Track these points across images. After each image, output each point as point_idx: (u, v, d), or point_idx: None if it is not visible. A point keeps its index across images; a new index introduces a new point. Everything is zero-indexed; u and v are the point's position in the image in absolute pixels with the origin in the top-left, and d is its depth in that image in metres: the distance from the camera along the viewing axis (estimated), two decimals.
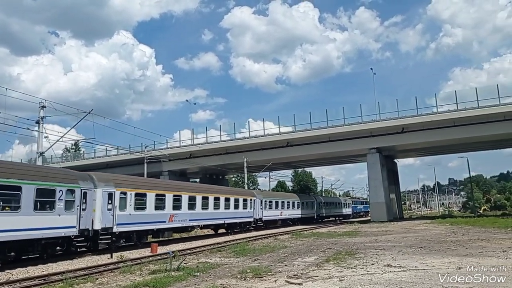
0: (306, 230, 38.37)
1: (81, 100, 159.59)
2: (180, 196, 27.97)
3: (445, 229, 31.06)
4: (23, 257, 17.53)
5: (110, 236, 21.26)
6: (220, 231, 36.41)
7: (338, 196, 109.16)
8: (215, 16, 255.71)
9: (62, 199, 18.20)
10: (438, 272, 11.66)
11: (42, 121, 24.75)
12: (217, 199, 32.88)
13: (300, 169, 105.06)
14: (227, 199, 34.48)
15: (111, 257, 19.73)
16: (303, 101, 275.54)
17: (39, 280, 13.27)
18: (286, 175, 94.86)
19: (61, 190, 18.18)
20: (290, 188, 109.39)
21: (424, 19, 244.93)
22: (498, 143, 55.58)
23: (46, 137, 25.00)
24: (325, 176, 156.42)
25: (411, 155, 71.85)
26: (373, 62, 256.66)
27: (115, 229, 21.70)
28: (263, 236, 31.59)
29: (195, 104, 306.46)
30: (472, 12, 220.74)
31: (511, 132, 43.90)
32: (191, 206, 28.96)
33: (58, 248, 18.55)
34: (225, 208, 33.91)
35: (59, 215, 18.02)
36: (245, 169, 54.84)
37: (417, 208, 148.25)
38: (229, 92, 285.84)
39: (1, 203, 15.71)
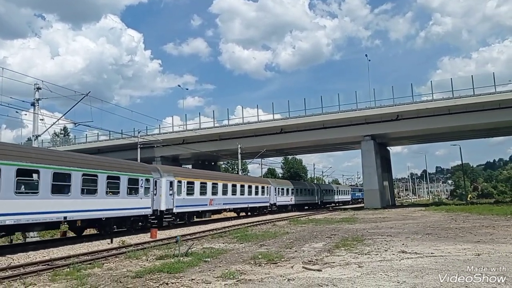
0: (302, 217, 38.21)
1: (68, 85, 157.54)
2: (217, 183, 33.57)
3: (443, 216, 31.06)
4: (118, 230, 22.23)
5: (171, 216, 26.77)
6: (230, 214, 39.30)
7: (323, 183, 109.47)
8: (204, 1, 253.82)
9: (142, 186, 23.46)
10: (458, 258, 11.42)
11: (37, 103, 23.94)
12: (242, 186, 38.40)
13: (290, 157, 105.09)
14: (249, 186, 39.97)
15: (111, 242, 19.27)
16: (292, 88, 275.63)
17: (42, 265, 12.77)
18: (276, 162, 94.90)
19: (141, 179, 23.55)
20: (280, 175, 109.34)
21: (414, 7, 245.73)
22: (492, 131, 55.91)
23: (42, 119, 24.25)
24: (312, 164, 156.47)
25: (404, 142, 72.10)
26: (362, 50, 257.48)
27: (174, 210, 27.12)
28: (260, 222, 31.32)
29: (187, 89, 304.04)
30: (462, 1, 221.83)
31: (506, 120, 44.10)
32: (224, 192, 34.57)
33: (140, 224, 23.66)
34: (248, 194, 39.35)
35: (141, 198, 23.42)
36: (239, 156, 54.43)
37: (406, 195, 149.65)
38: (218, 79, 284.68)
39: (109, 189, 20.88)
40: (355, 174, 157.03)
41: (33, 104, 24.15)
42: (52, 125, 25.59)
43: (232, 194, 35.97)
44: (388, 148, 67.51)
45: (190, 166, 71.21)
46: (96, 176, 19.93)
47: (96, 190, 19.89)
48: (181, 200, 27.85)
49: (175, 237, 19.28)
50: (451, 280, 8.62)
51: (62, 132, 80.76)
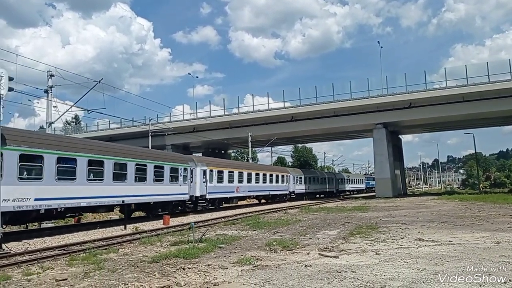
0: (313, 205, 38.12)
1: (79, 74, 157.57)
2: (242, 172, 36.32)
3: (456, 205, 30.75)
4: (161, 213, 24.16)
5: (204, 201, 29.42)
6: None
7: (338, 172, 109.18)
8: None
9: (181, 175, 26.14)
10: (477, 246, 11.25)
11: (51, 90, 23.94)
12: (264, 175, 40.88)
13: (300, 145, 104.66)
14: (271, 175, 42.53)
15: (125, 228, 19.35)
16: (302, 77, 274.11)
17: (59, 250, 12.84)
18: (286, 151, 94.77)
19: (181, 169, 26.23)
20: (289, 163, 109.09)
21: None
22: (507, 119, 54.99)
23: (55, 107, 24.27)
24: (322, 152, 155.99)
25: (416, 130, 71.39)
26: (373, 37, 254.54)
27: (207, 196, 29.95)
28: (272, 210, 31.32)
29: (197, 77, 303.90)
30: None
31: None
32: (249, 180, 37.17)
33: (179, 208, 26.73)
34: (269, 183, 41.84)
35: (180, 185, 26.11)
36: (250, 144, 54.31)
37: (417, 185, 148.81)
38: (227, 67, 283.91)
39: (155, 177, 23.36)
40: (365, 163, 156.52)
41: (46, 91, 24.15)
42: (65, 112, 25.67)
43: (256, 182, 38.55)
44: (400, 136, 66.93)
45: (200, 154, 71.32)
46: (146, 166, 22.79)
47: (145, 178, 22.66)
48: (213, 187, 30.83)
49: (188, 224, 19.38)
50: (473, 268, 8.47)
51: (74, 120, 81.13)
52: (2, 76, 12.52)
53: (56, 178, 16.85)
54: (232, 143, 63.29)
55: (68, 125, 79.49)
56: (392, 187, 51.83)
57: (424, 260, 9.51)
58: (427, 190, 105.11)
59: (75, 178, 17.78)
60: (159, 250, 12.54)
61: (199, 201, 28.85)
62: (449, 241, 12.47)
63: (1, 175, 13.96)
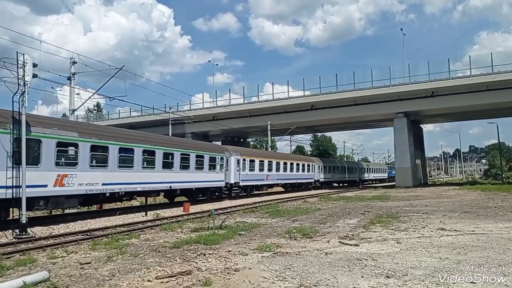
0: (333, 194, 38.00)
1: (101, 61, 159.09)
2: (272, 161, 38.71)
3: (479, 195, 30.28)
4: (201, 198, 27.66)
5: (238, 188, 32.12)
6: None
7: (357, 161, 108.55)
8: None
9: (218, 163, 28.47)
10: (501, 236, 11.06)
11: (73, 77, 24.24)
12: (292, 164, 43.03)
13: (320, 134, 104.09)
14: (297, 164, 44.64)
15: (146, 215, 19.62)
16: (323, 64, 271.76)
17: (82, 235, 13.09)
18: (305, 139, 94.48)
19: (218, 158, 28.69)
20: (308, 152, 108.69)
21: None
22: None
23: (78, 94, 24.59)
24: (342, 141, 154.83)
25: (438, 120, 70.23)
26: (396, 25, 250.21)
27: (240, 183, 32.49)
28: (291, 199, 31.35)
29: (217, 65, 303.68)
30: None
31: None
32: (277, 169, 39.43)
33: (216, 193, 29.20)
34: (296, 171, 44.05)
35: (217, 173, 28.48)
36: (269, 132, 54.23)
37: (437, 175, 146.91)
38: (247, 55, 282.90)
39: (197, 165, 25.98)
40: (385, 152, 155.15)
41: (69, 78, 24.46)
42: (88, 99, 26.00)
43: (284, 171, 40.87)
44: (421, 125, 65.97)
45: (219, 143, 71.61)
46: (189, 155, 25.24)
47: (189, 166, 25.03)
48: (245, 175, 33.14)
49: (207, 211, 19.54)
50: (497, 257, 8.34)
51: (96, 108, 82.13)
52: (26, 63, 12.71)
53: (118, 166, 19.20)
54: (251, 131, 63.30)
55: (90, 113, 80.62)
56: (413, 176, 51.25)
57: (447, 250, 9.40)
58: (448, 180, 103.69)
59: (132, 166, 20.18)
60: (180, 236, 12.69)
61: (233, 188, 31.36)
62: (472, 231, 12.30)
63: (77, 163, 16.84)
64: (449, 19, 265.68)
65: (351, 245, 10.46)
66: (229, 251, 9.88)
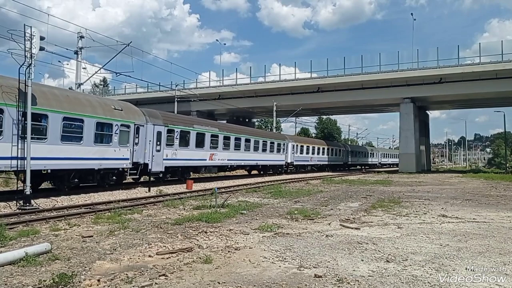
0: (336, 177, 38.06)
1: (109, 37, 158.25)
2: (314, 146, 49.92)
3: (481, 184, 30.20)
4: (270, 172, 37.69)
5: (292, 166, 43.75)
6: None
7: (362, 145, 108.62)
8: None
9: (281, 148, 40.44)
10: (502, 225, 11.05)
11: (81, 51, 24.12)
12: (323, 148, 53.01)
13: (325, 117, 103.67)
14: (328, 148, 54.77)
15: (149, 190, 19.72)
16: (331, 48, 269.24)
17: (85, 208, 13.20)
18: (310, 122, 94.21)
19: (281, 143, 40.57)
20: (313, 135, 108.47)
21: None
22: None
23: (85, 68, 24.50)
24: (347, 125, 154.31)
25: (445, 107, 69.68)
26: (406, 9, 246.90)
27: (294, 163, 43.84)
28: (294, 180, 31.43)
29: (225, 44, 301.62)
30: None
31: None
32: (318, 152, 50.74)
33: (279, 169, 40.71)
34: (326, 154, 53.97)
35: (281, 154, 40.71)
36: (274, 113, 54.08)
37: (441, 162, 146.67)
38: (255, 35, 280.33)
39: (263, 147, 36.22)
40: (390, 137, 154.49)
41: (76, 52, 24.35)
42: (94, 73, 25.89)
43: (322, 154, 52.22)
44: (427, 112, 65.55)
45: (225, 121, 71.49)
46: (266, 142, 37.08)
47: (266, 150, 36.73)
48: (298, 157, 44.15)
49: (210, 189, 19.62)
50: (498, 246, 8.34)
51: (102, 83, 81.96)
52: (34, 35, 12.63)
53: (234, 149, 30.52)
54: (256, 111, 63.13)
55: (96, 88, 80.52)
56: (416, 162, 51.19)
57: (447, 236, 9.41)
58: (451, 168, 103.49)
59: (241, 149, 31.70)
60: (182, 213, 12.77)
61: (289, 166, 42.16)
62: (473, 218, 12.29)
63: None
64: (460, 6, 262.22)
65: (352, 228, 10.48)
66: (231, 229, 9.94)
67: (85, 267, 6.58)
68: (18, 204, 13.33)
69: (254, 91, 55.46)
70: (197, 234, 9.32)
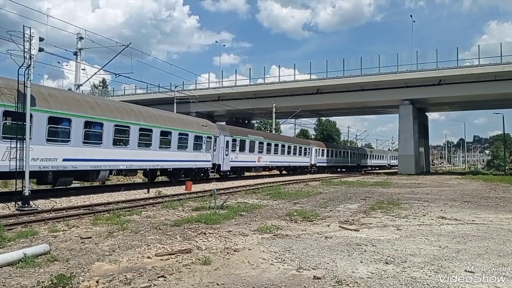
0: (335, 179, 38.05)
1: (107, 38, 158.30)
2: (329, 150, 54.65)
3: (480, 185, 30.20)
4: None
5: (316, 168, 48.96)
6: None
7: (360, 147, 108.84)
8: None
9: (307, 152, 46.05)
10: (502, 227, 11.05)
11: (80, 52, 24.10)
12: (341, 151, 60.39)
13: (324, 118, 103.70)
14: (347, 152, 63.46)
15: (148, 192, 19.71)
16: (330, 49, 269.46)
17: (84, 210, 13.19)
18: (309, 123, 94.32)
19: (306, 148, 46.56)
20: (312, 136, 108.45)
21: None
22: None
23: (84, 69, 24.48)
24: (346, 127, 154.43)
25: (444, 108, 69.71)
26: (405, 11, 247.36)
27: (317, 165, 49.31)
28: (293, 182, 31.42)
29: (224, 45, 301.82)
30: None
31: None
32: (336, 155, 57.07)
33: (305, 169, 46.75)
34: (347, 157, 62.77)
35: (306, 157, 46.82)
36: (274, 115, 54.10)
37: (440, 163, 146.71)
38: (255, 37, 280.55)
39: (293, 151, 42.57)
40: (389, 139, 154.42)
41: (75, 53, 24.33)
42: (93, 74, 25.85)
43: (341, 157, 59.25)
44: (426, 114, 65.60)
45: (224, 123, 71.40)
46: (290, 147, 42.18)
47: (290, 153, 41.34)
48: (319, 159, 50.03)
49: (209, 190, 19.61)
50: (497, 248, 8.34)
51: (101, 84, 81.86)
52: (33, 36, 12.63)
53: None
54: (256, 113, 63.16)
55: (95, 89, 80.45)
56: (415, 164, 51.23)
57: (446, 238, 9.41)
58: (450, 169, 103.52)
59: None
60: (181, 215, 12.77)
61: (313, 167, 47.89)
62: (472, 220, 12.28)
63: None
64: (459, 8, 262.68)
65: (351, 230, 10.48)
66: (230, 231, 9.93)
67: (84, 269, 6.57)
68: (16, 205, 13.31)
69: (254, 92, 55.51)
70: (196, 236, 9.31)
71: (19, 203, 13.27)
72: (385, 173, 53.22)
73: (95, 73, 26.01)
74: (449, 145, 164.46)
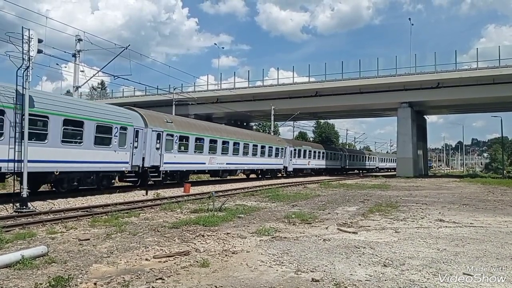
0: (333, 181, 38.07)
1: (106, 39, 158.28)
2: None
3: (479, 188, 30.23)
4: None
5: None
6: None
7: (359, 149, 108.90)
8: None
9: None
10: (500, 230, 11.06)
11: (79, 54, 24.09)
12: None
13: (323, 121, 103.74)
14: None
15: (146, 194, 19.70)
16: (329, 52, 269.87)
17: (82, 211, 13.16)
18: (308, 126, 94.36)
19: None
20: (311, 139, 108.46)
21: None
22: None
23: (82, 71, 24.49)
24: (345, 129, 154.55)
25: (442, 111, 69.87)
26: (404, 15, 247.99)
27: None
28: (291, 184, 31.41)
29: (223, 48, 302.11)
30: None
31: None
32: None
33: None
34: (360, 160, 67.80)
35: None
36: (272, 117, 54.09)
37: (438, 166, 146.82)
38: (253, 40, 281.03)
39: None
40: (387, 141, 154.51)
41: (74, 55, 24.33)
42: (92, 76, 25.87)
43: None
44: (425, 116, 65.70)
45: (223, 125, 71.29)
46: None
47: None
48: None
49: (207, 192, 19.60)
50: (495, 251, 8.34)
51: (100, 86, 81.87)
52: (31, 38, 12.63)
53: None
54: (254, 115, 63.12)
55: (94, 91, 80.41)
56: (414, 167, 51.24)
57: (445, 241, 9.41)
58: (448, 172, 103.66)
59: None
60: (179, 217, 12.76)
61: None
62: (471, 223, 12.29)
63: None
64: (457, 11, 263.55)
65: (349, 232, 10.48)
66: (228, 233, 9.92)
67: (82, 270, 6.56)
68: (14, 206, 13.29)
69: (252, 95, 55.52)
70: (194, 238, 9.30)
71: (17, 204, 13.24)
72: (383, 176, 53.23)
73: (94, 75, 26.07)
74: (447, 148, 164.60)
